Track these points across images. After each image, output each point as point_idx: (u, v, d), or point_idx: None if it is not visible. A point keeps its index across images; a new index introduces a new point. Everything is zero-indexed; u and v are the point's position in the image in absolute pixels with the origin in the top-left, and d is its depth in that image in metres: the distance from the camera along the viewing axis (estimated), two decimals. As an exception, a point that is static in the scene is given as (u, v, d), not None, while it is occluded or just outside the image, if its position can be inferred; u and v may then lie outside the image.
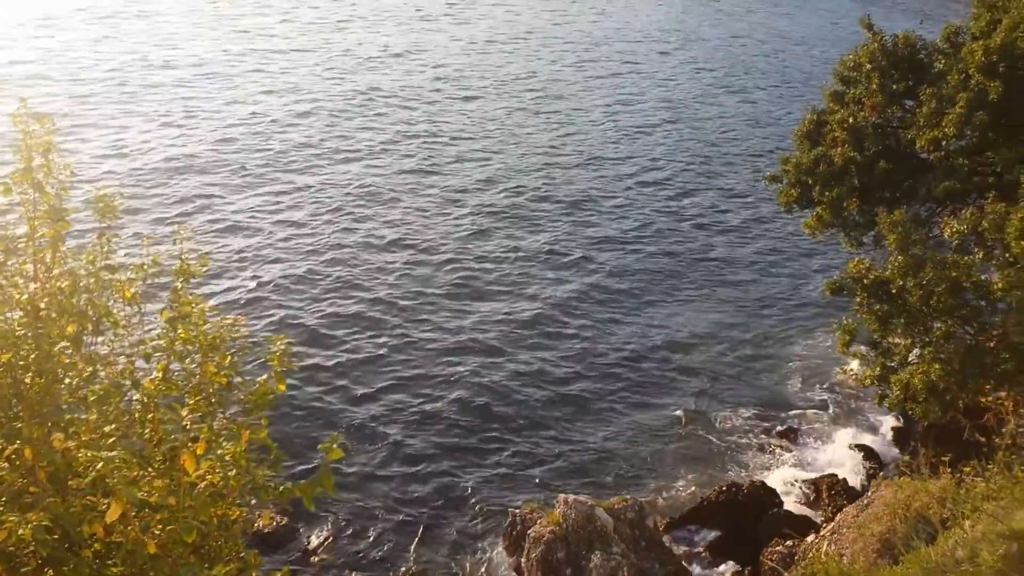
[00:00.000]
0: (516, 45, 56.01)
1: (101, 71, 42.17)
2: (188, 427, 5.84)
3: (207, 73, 43.24)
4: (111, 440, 5.82)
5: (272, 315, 21.85)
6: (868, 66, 19.47)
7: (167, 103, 37.73)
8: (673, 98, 45.70)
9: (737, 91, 48.13)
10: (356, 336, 21.39)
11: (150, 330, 6.68)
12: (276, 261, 24.57)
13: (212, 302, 6.14)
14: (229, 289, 22.81)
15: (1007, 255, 13.98)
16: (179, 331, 5.91)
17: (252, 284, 23.23)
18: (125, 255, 7.32)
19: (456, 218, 28.70)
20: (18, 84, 38.49)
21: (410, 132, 36.72)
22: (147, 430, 6.30)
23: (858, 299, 14.98)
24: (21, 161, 6.04)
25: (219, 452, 5.61)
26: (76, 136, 32.01)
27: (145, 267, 6.69)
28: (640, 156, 36.20)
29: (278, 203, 28.58)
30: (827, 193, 19.48)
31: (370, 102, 40.41)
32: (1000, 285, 13.72)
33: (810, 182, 20.04)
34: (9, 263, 5.78)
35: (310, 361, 20.02)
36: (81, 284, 5.86)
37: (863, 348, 15.90)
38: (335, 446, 5.24)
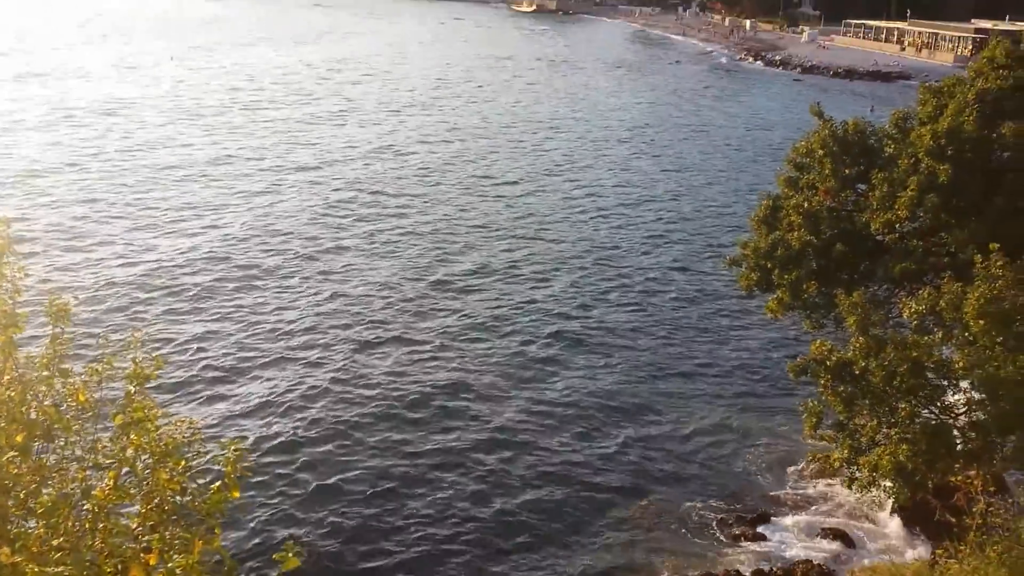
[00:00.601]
0: (479, 131, 57.09)
1: (59, 169, 42.30)
2: (139, 537, 5.66)
3: (168, 175, 43.53)
4: (59, 554, 5.62)
5: (228, 412, 21.48)
6: (820, 152, 20.00)
7: (131, 204, 37.76)
8: (630, 183, 46.66)
9: (693, 175, 49.28)
10: (318, 436, 21.01)
11: (103, 435, 6.52)
12: (242, 370, 24.24)
13: (168, 395, 6.00)
14: (185, 384, 22.45)
15: (966, 334, 14.19)
16: (132, 437, 5.79)
17: (209, 376, 22.91)
18: (79, 356, 7.17)
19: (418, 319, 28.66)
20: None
21: (376, 231, 36.97)
22: (97, 541, 6.09)
23: (822, 381, 15.05)
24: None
25: (170, 565, 5.41)
26: (33, 237, 31.72)
27: (99, 370, 6.58)
28: (597, 239, 36.70)
29: (250, 306, 28.39)
30: (786, 276, 19.75)
31: (340, 203, 40.74)
32: (961, 364, 13.88)
33: (769, 265, 20.32)
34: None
35: (267, 461, 19.56)
36: (31, 393, 5.75)
37: (830, 431, 15.88)
38: (291, 555, 5.08)
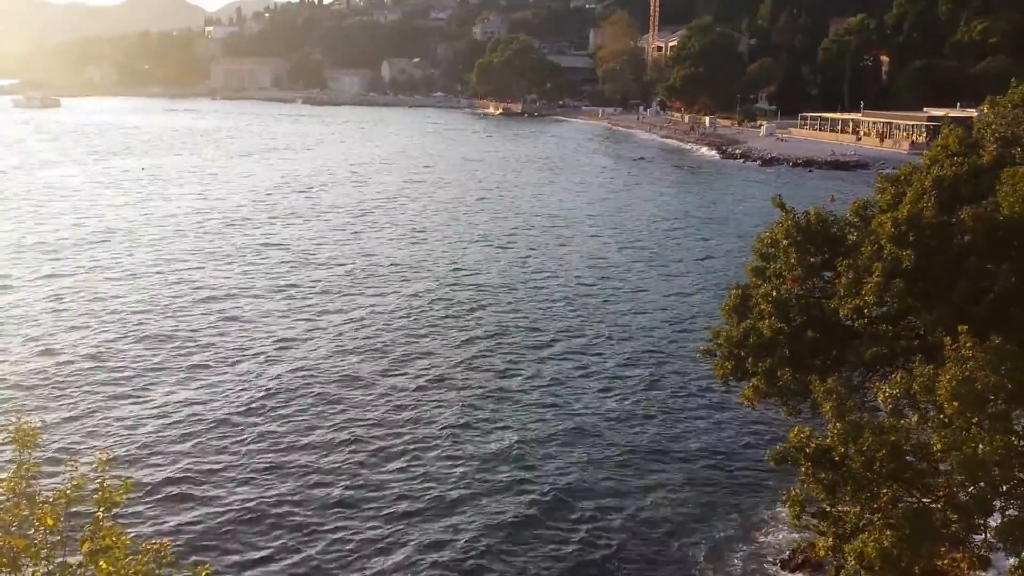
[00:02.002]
0: (450, 226, 57.61)
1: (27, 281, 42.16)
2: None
3: (132, 284, 43.48)
4: None
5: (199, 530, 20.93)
6: (785, 242, 20.34)
7: (99, 313, 37.52)
8: (601, 272, 47.14)
9: (662, 264, 50.01)
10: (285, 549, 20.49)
11: (71, 559, 6.34)
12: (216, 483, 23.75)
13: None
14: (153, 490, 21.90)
15: (941, 416, 14.24)
16: (100, 564, 5.62)
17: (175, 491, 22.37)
18: (47, 478, 7.00)
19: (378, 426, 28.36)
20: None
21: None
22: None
23: (803, 468, 14.98)
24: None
25: None
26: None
27: (67, 493, 6.44)
28: (569, 328, 36.77)
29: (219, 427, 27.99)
30: (760, 364, 19.83)
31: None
32: (939, 446, 13.88)
33: (742, 354, 20.41)
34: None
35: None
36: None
37: (814, 520, 15.73)
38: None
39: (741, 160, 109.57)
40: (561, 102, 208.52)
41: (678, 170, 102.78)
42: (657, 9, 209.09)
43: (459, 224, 62.36)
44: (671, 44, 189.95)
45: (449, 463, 24.61)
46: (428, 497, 22.71)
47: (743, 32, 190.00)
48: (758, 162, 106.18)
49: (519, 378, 31.45)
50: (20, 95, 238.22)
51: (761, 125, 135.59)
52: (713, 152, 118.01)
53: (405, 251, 52.58)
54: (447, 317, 38.83)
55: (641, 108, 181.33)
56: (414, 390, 30.03)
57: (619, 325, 38.53)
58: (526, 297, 42.53)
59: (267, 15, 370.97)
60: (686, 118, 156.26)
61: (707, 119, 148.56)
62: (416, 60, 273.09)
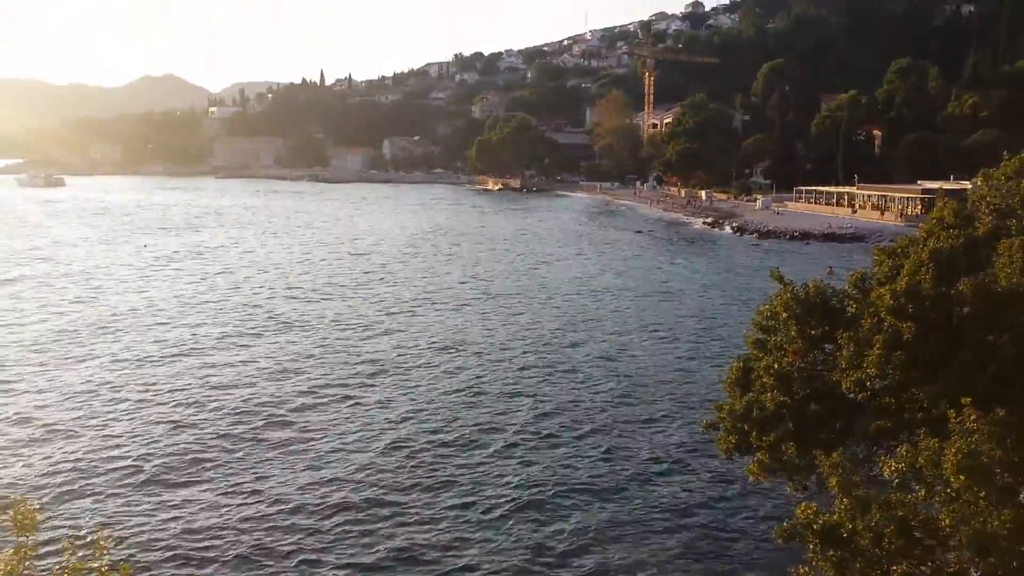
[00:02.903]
0: (447, 299, 57.64)
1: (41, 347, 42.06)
2: None
3: (130, 355, 43.40)
4: None
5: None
6: (784, 315, 20.39)
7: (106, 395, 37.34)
8: (598, 345, 46.91)
9: (661, 337, 49.76)
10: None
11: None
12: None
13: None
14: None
15: (948, 490, 14.06)
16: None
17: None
18: (45, 562, 6.89)
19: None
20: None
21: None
22: None
23: (811, 546, 14.73)
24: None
25: None
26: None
27: (68, 571, 6.32)
28: (564, 399, 36.46)
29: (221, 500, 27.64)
30: (764, 438, 19.69)
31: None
32: (947, 521, 13.68)
33: (746, 428, 20.28)
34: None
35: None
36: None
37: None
38: None
39: (738, 233, 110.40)
40: (559, 177, 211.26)
41: (676, 242, 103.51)
42: (651, 87, 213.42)
43: (458, 295, 62.47)
44: (666, 120, 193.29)
45: (454, 515, 24.20)
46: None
47: (736, 108, 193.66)
48: (755, 235, 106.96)
49: (507, 443, 31.12)
50: (24, 174, 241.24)
51: (756, 199, 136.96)
52: (710, 225, 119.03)
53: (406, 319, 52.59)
54: (443, 392, 38.59)
55: (638, 183, 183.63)
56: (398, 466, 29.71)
57: (618, 394, 38.29)
58: (520, 367, 42.35)
59: (270, 96, 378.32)
60: (683, 192, 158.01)
61: (703, 193, 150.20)
62: (416, 138, 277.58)
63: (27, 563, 6.02)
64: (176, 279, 70.72)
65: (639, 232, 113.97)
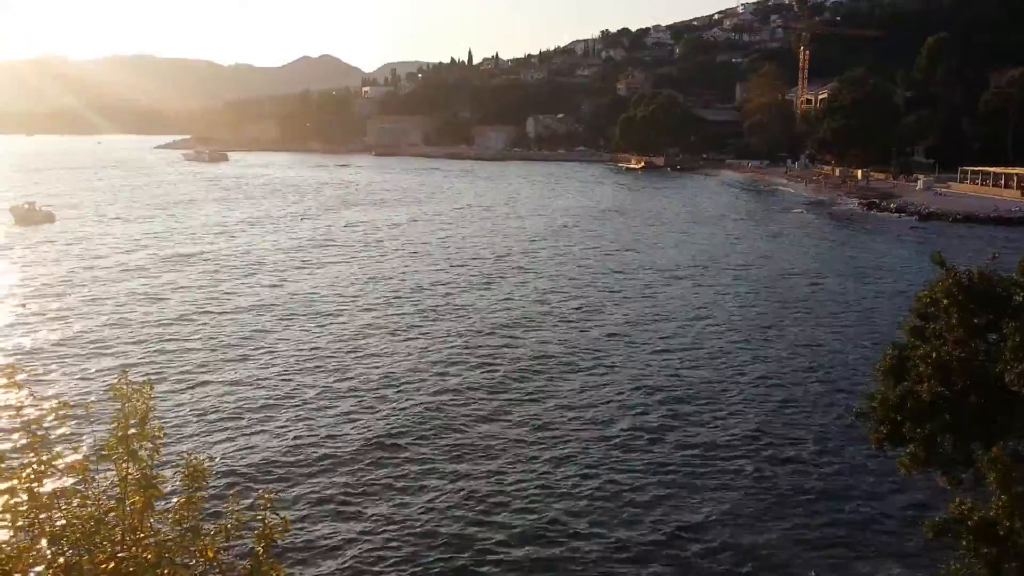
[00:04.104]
0: (594, 279, 57.60)
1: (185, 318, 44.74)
2: None
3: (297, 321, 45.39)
4: None
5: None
6: (945, 301, 19.36)
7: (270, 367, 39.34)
8: (748, 329, 45.84)
9: (812, 321, 48.17)
10: None
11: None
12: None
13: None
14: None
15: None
16: (259, 599, 5.89)
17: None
18: (211, 512, 7.39)
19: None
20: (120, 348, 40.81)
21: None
22: None
23: (964, 542, 14.09)
24: (118, 429, 6.37)
25: None
26: (170, 399, 33.15)
27: (228, 527, 6.77)
28: (713, 382, 35.86)
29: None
30: (918, 430, 18.83)
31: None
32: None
33: (899, 419, 19.44)
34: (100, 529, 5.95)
35: None
36: (166, 555, 5.95)
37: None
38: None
39: (896, 214, 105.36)
40: (705, 155, 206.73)
41: (830, 224, 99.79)
42: (806, 62, 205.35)
43: (604, 274, 62.33)
44: (821, 96, 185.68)
45: (594, 488, 24.38)
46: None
47: (897, 84, 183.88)
48: (915, 217, 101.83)
49: (657, 424, 30.94)
50: (191, 150, 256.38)
51: (918, 179, 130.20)
52: (867, 206, 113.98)
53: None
54: (600, 367, 38.71)
55: (789, 161, 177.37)
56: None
57: (760, 375, 37.44)
58: (668, 348, 41.94)
59: (420, 75, 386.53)
60: (837, 171, 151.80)
61: (860, 172, 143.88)
62: (560, 116, 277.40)
63: (196, 511, 6.50)
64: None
65: (790, 211, 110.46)
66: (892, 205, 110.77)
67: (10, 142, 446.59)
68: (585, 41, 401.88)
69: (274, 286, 56.88)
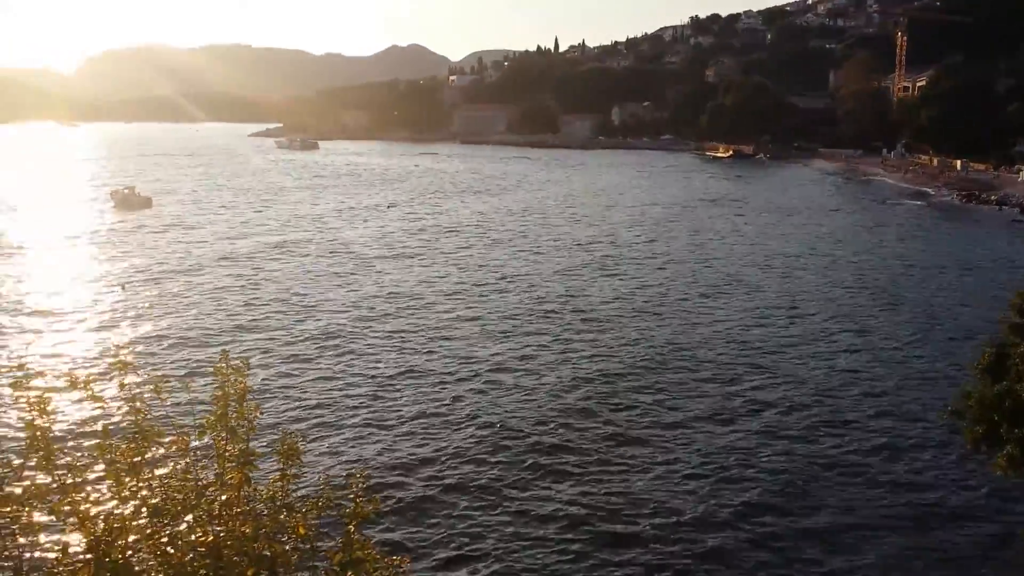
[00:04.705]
0: (683, 266, 57.05)
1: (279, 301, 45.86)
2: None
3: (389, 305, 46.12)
4: None
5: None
6: (1049, 297, 18.63)
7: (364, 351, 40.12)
8: (838, 322, 44.76)
9: (903, 316, 46.81)
10: None
11: (319, 564, 6.84)
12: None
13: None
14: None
15: None
16: (349, 575, 6.05)
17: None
18: (302, 490, 7.61)
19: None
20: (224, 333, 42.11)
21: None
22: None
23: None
24: (217, 407, 6.62)
25: None
26: (265, 380, 34.08)
27: (318, 505, 6.96)
28: (803, 379, 35.13)
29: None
30: (1016, 431, 18.17)
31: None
32: None
33: (996, 418, 18.78)
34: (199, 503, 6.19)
35: None
36: (263, 530, 6.15)
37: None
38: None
39: (996, 207, 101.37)
40: (796, 144, 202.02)
41: (922, 216, 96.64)
42: (903, 48, 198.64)
43: (692, 263, 61.67)
44: (919, 84, 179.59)
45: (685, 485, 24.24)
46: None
47: (1000, 72, 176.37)
48: (1016, 209, 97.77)
49: (745, 415, 30.53)
50: (283, 138, 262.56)
51: (1020, 170, 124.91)
52: (965, 198, 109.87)
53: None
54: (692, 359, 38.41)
55: (884, 151, 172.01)
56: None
57: (858, 379, 36.50)
58: (752, 342, 41.29)
59: (506, 63, 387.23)
60: (935, 161, 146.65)
61: (959, 163, 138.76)
62: (646, 104, 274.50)
63: (289, 488, 6.70)
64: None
65: (883, 202, 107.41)
66: (992, 197, 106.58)
67: (111, 129, 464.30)
68: (673, 27, 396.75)
69: (369, 274, 57.66)
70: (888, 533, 23.20)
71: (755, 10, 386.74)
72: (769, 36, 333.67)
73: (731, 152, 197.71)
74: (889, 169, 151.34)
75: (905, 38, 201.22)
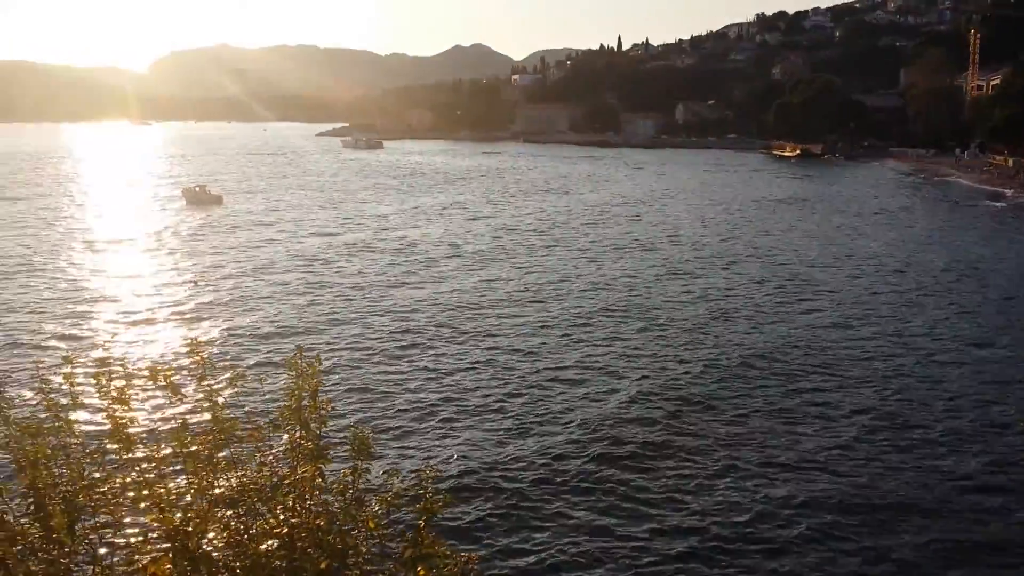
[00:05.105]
0: (751, 268, 56.32)
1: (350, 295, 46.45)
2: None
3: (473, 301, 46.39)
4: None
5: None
6: None
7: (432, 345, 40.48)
8: (912, 328, 43.70)
9: (980, 324, 45.43)
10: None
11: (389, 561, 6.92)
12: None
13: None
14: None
15: None
16: (419, 570, 6.11)
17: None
18: (372, 485, 7.71)
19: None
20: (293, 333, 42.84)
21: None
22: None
23: None
24: (291, 401, 6.75)
25: None
26: (336, 373, 34.53)
27: (388, 499, 7.04)
28: (879, 391, 34.37)
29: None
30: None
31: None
32: None
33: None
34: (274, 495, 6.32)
35: None
36: (336, 523, 6.26)
37: None
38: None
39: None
40: (865, 143, 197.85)
41: (996, 219, 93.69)
42: (977, 45, 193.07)
43: (768, 262, 60.81)
44: (993, 82, 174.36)
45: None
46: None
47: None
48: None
49: (828, 417, 29.99)
50: (349, 137, 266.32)
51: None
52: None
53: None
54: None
55: (958, 151, 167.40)
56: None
57: (937, 380, 35.46)
58: (839, 338, 40.52)
59: (568, 63, 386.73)
60: (1010, 162, 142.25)
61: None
62: (711, 102, 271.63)
63: (360, 481, 6.80)
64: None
65: (960, 204, 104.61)
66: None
67: (182, 128, 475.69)
68: (739, 25, 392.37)
69: (437, 274, 57.63)
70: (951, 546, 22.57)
71: (823, 7, 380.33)
72: (838, 33, 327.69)
73: (798, 151, 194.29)
74: (963, 169, 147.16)
75: (979, 35, 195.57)
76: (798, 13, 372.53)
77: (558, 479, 25.62)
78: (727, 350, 39.68)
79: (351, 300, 49.12)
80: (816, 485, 25.61)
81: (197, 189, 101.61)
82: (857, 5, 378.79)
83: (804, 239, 75.69)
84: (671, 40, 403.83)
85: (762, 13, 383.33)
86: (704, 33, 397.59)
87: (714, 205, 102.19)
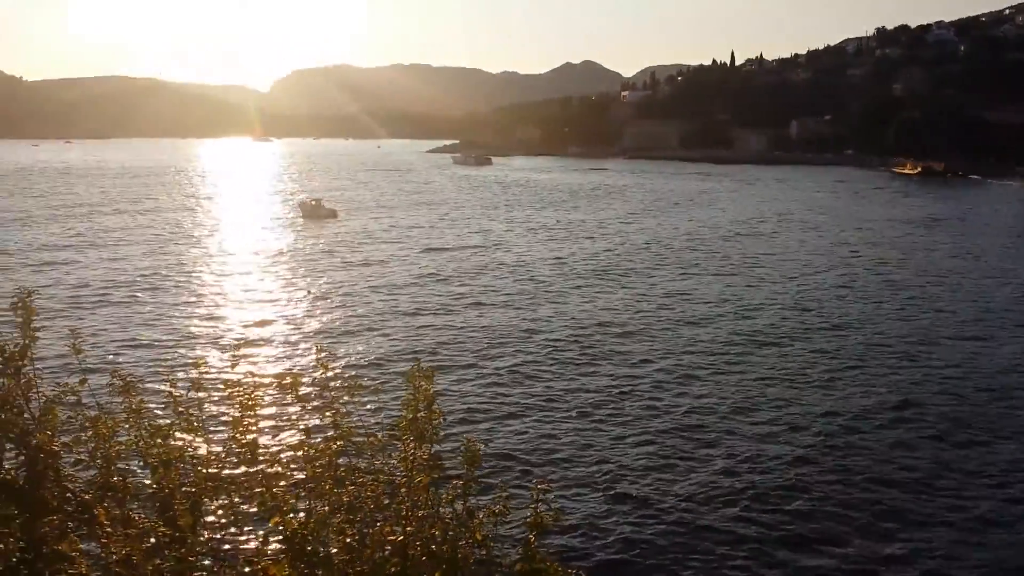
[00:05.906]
0: (864, 291, 54.47)
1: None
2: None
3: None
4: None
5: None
6: None
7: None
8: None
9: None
10: None
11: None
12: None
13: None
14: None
15: None
16: None
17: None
18: (481, 496, 7.82)
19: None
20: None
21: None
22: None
23: None
24: (408, 412, 6.92)
25: None
26: (451, 387, 34.92)
27: (496, 512, 7.11)
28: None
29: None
30: None
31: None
32: None
33: None
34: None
35: None
36: (450, 533, 6.38)
37: None
38: None
39: None
40: (991, 161, 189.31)
41: None
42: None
43: (888, 288, 58.75)
44: None
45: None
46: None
47: None
48: None
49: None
50: (459, 154, 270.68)
51: None
52: None
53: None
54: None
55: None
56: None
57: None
58: (927, 373, 38.85)
59: (679, 78, 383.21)
60: None
61: None
62: (827, 118, 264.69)
63: (470, 494, 6.91)
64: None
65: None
66: None
67: (302, 144, 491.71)
68: (858, 39, 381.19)
69: (553, 295, 55.94)
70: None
71: (947, 20, 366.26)
72: (962, 48, 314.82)
73: (919, 169, 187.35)
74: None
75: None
76: (920, 27, 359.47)
77: (667, 500, 25.25)
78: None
79: (467, 316, 49.20)
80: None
81: (313, 203, 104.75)
82: (983, 19, 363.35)
83: (952, 263, 72.70)
84: (786, 55, 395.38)
85: (883, 27, 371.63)
86: (821, 47, 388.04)
87: (843, 226, 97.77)
